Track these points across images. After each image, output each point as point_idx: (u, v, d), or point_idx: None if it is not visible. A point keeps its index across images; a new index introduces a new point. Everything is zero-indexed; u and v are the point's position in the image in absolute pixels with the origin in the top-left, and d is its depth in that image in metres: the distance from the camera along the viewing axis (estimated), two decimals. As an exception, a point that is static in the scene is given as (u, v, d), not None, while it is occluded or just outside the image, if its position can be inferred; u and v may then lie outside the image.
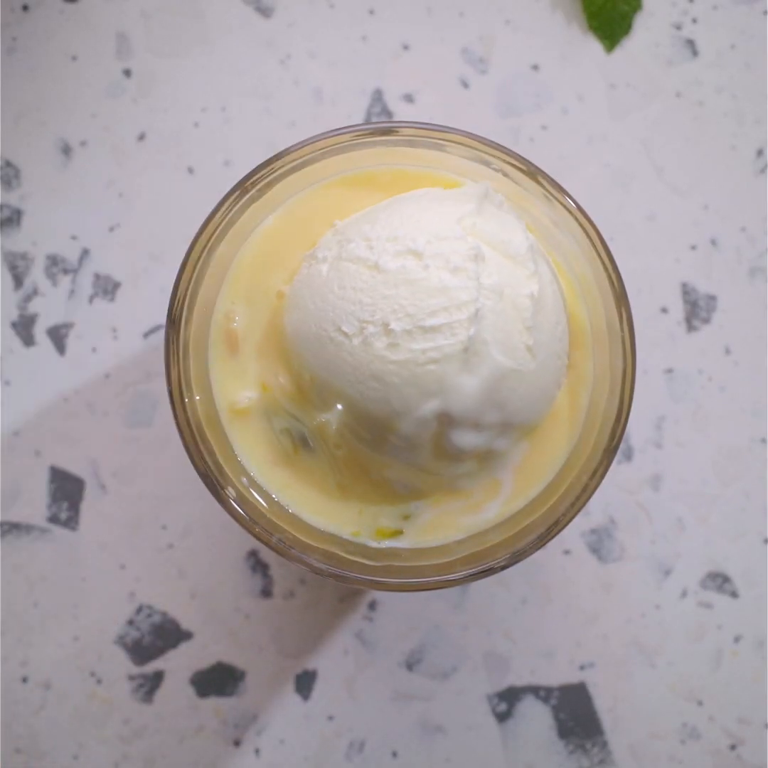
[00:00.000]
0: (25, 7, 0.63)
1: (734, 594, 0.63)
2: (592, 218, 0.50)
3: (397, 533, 0.51)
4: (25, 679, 0.62)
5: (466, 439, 0.48)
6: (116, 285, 0.63)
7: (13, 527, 0.62)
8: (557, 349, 0.49)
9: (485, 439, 0.49)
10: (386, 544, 0.51)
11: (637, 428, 0.63)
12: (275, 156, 0.50)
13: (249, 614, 0.63)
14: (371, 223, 0.49)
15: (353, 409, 0.48)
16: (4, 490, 0.62)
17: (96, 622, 0.62)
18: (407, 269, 0.47)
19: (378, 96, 0.63)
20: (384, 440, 0.49)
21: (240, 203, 0.50)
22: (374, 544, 0.51)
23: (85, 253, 0.63)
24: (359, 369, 0.47)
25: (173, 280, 0.49)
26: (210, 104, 0.63)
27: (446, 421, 0.47)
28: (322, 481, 0.51)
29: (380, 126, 0.50)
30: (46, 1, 0.63)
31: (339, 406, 0.49)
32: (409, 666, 0.63)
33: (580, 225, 0.50)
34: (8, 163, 0.63)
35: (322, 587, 0.63)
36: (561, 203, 0.50)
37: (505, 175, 0.50)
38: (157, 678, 0.63)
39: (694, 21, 0.64)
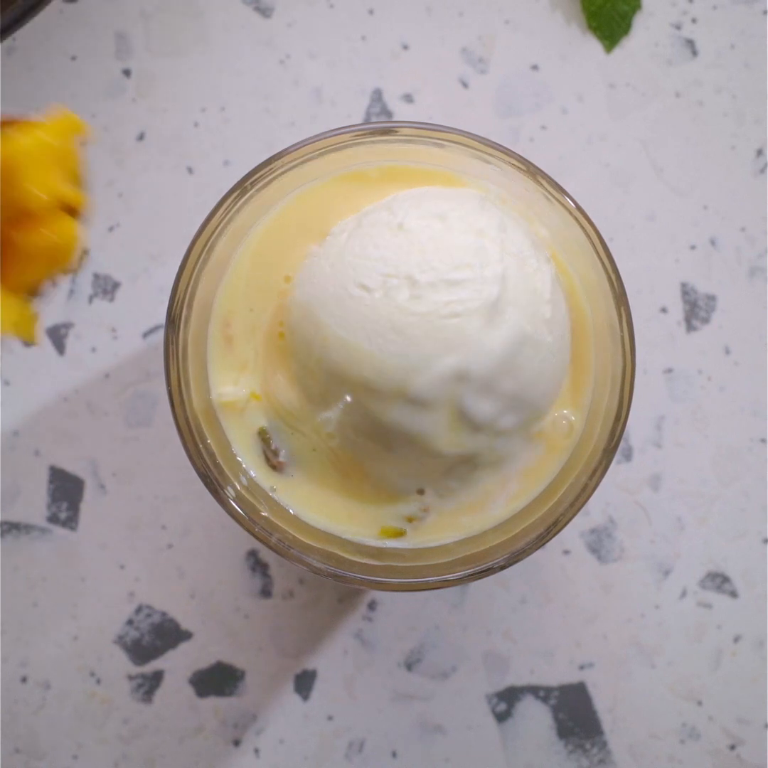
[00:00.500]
0: (24, 7, 0.63)
1: (734, 594, 0.63)
2: (592, 218, 0.50)
3: (400, 534, 0.51)
4: (24, 679, 0.62)
5: (479, 406, 0.47)
6: (116, 285, 0.63)
7: (13, 527, 0.62)
8: (559, 347, 0.49)
9: (497, 411, 0.48)
10: (388, 544, 0.51)
11: (636, 428, 0.63)
12: (275, 156, 0.50)
13: (248, 614, 0.63)
14: (388, 207, 0.49)
15: (367, 370, 0.47)
16: (3, 490, 0.62)
17: (95, 622, 0.62)
18: (432, 228, 0.47)
19: (377, 96, 0.63)
20: (392, 418, 0.48)
21: (239, 203, 0.50)
22: (374, 544, 0.51)
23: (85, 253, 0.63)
24: (379, 322, 0.47)
25: (173, 280, 0.49)
26: (209, 104, 0.63)
27: (463, 380, 0.47)
28: (322, 481, 0.51)
29: (380, 126, 0.50)
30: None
31: (344, 400, 0.48)
32: (409, 666, 0.63)
33: (580, 225, 0.50)
34: (8, 163, 0.63)
35: (321, 587, 0.63)
36: (561, 203, 0.50)
37: (505, 175, 0.50)
38: (157, 678, 0.63)
39: (694, 21, 0.64)
